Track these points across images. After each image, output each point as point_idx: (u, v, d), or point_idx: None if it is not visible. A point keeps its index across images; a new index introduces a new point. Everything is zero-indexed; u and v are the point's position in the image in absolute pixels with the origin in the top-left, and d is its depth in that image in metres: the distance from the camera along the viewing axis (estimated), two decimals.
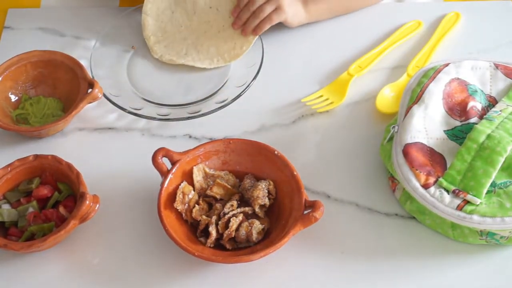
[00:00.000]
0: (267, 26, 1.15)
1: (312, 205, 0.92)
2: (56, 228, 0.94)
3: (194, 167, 0.99)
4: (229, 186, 0.99)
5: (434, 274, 0.93)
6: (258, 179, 1.00)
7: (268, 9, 1.15)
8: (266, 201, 0.97)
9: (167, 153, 0.98)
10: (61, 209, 0.96)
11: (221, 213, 0.96)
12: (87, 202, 0.93)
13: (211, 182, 0.99)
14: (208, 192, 0.98)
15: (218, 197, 0.98)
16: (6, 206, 0.97)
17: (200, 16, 1.18)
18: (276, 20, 1.15)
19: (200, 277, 0.94)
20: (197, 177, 0.99)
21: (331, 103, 1.11)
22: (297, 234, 0.92)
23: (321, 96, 1.12)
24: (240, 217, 0.94)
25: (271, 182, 0.98)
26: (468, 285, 0.93)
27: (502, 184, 0.92)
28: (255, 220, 0.95)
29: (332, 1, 1.22)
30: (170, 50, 1.16)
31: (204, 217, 0.96)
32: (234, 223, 0.93)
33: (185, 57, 1.15)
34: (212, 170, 1.00)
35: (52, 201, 0.98)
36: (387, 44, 1.19)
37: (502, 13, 1.25)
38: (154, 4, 1.20)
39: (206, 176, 1.00)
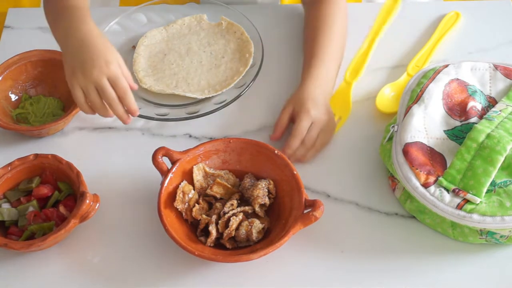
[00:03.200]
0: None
1: (312, 204, 0.92)
2: (56, 227, 0.94)
3: (194, 166, 0.99)
4: (229, 186, 0.99)
5: (434, 273, 0.93)
6: (258, 178, 1.00)
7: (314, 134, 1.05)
8: (266, 200, 0.97)
9: (167, 152, 0.98)
10: (61, 208, 0.96)
11: (221, 212, 0.96)
12: (87, 201, 0.93)
13: (211, 182, 0.99)
14: (208, 191, 0.98)
15: (218, 196, 0.98)
16: (6, 205, 0.97)
17: (192, 57, 1.17)
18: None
19: (200, 276, 0.94)
20: (197, 176, 0.99)
21: (340, 118, 1.10)
22: (297, 233, 0.92)
23: None
24: (240, 216, 0.94)
25: (271, 181, 0.98)
26: (468, 284, 0.93)
27: (502, 183, 0.92)
28: (255, 219, 0.95)
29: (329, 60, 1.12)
30: (159, 83, 1.14)
31: (204, 216, 0.96)
32: (234, 223, 0.93)
33: (175, 89, 1.13)
34: (212, 169, 1.00)
35: (52, 200, 0.98)
36: (374, 34, 1.19)
37: (502, 12, 1.25)
38: (148, 47, 1.19)
39: (206, 175, 1.00)
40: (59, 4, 1.03)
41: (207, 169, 1.00)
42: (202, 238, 0.95)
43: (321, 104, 1.06)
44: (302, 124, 1.04)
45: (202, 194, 0.99)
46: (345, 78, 1.14)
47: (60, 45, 1.01)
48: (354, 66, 1.16)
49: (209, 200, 0.99)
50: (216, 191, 0.98)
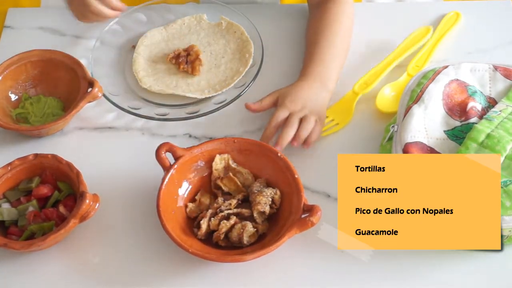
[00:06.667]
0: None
1: (310, 209, 0.92)
2: (56, 227, 0.94)
3: (217, 155, 0.99)
4: (239, 183, 0.98)
5: (434, 274, 0.93)
6: (268, 185, 0.99)
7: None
8: (266, 209, 0.95)
9: (170, 148, 0.98)
10: (61, 208, 0.96)
11: (218, 209, 0.95)
12: (87, 201, 0.93)
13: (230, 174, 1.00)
14: (218, 181, 0.98)
15: (225, 189, 0.98)
16: (6, 205, 0.97)
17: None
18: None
19: (200, 276, 0.94)
20: (217, 165, 0.99)
21: (337, 124, 1.10)
22: (298, 233, 0.92)
23: (326, 117, 1.11)
24: (232, 220, 0.94)
25: (278, 192, 0.97)
26: (468, 284, 0.93)
27: (502, 183, 0.92)
28: (248, 223, 0.94)
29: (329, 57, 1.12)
30: (159, 83, 1.14)
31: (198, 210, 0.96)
32: (223, 227, 0.93)
33: (175, 89, 1.13)
34: (235, 164, 1.00)
35: (52, 200, 0.98)
36: (394, 57, 1.16)
37: (502, 13, 1.25)
38: (148, 47, 1.19)
39: (228, 167, 1.00)
40: None
41: (231, 162, 1.00)
42: (196, 230, 0.95)
43: (309, 104, 1.07)
44: (277, 114, 1.06)
45: (214, 182, 0.99)
46: (353, 89, 1.13)
47: None
48: (366, 80, 1.13)
49: (216, 193, 0.99)
50: (225, 183, 0.98)
